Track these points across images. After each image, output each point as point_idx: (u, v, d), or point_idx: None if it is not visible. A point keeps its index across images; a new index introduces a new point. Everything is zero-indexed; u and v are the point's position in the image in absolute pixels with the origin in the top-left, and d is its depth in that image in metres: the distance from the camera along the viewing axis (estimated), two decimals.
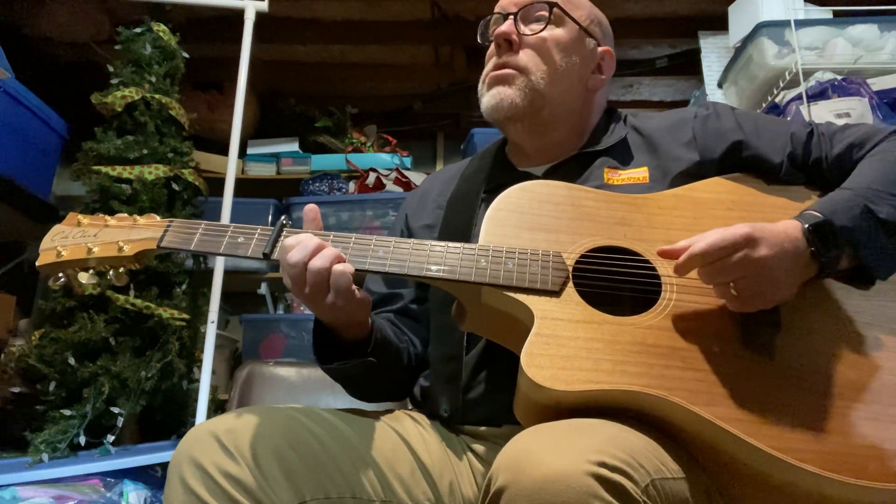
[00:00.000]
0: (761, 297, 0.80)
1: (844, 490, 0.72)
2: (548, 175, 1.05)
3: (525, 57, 1.04)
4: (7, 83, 2.31)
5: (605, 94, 1.14)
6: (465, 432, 0.99)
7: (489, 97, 1.05)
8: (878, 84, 1.98)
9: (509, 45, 1.04)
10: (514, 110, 1.03)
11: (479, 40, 1.12)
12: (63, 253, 0.91)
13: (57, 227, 0.95)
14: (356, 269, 0.86)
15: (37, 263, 0.92)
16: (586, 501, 0.61)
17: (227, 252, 0.89)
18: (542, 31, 1.04)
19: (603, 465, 0.62)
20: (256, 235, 0.90)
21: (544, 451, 0.65)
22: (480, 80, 1.09)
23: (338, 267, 0.84)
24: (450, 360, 0.98)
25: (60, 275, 0.92)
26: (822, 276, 0.85)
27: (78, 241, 0.92)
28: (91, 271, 0.92)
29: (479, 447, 0.96)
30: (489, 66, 1.08)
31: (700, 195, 0.96)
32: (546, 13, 1.05)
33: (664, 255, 0.84)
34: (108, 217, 0.95)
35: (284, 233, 0.89)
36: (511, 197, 0.93)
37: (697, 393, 0.75)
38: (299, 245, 0.85)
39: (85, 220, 0.96)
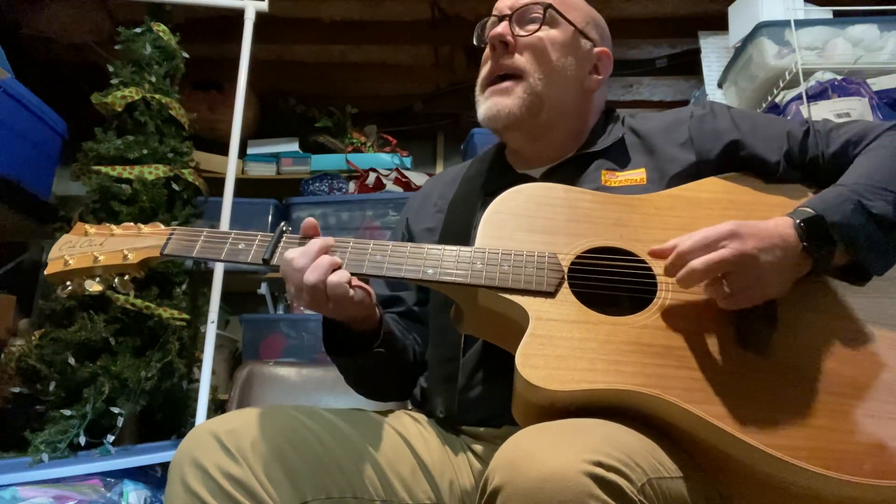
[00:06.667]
0: (750, 293, 0.80)
1: (840, 487, 0.72)
2: (546, 177, 1.05)
3: (521, 59, 1.04)
4: (7, 83, 2.31)
5: (602, 95, 1.14)
6: (464, 433, 0.99)
7: (486, 107, 1.05)
8: (878, 84, 1.98)
9: (505, 46, 1.04)
10: (512, 119, 1.03)
11: (475, 42, 1.12)
12: (70, 262, 0.93)
13: (65, 237, 0.97)
14: (353, 274, 0.87)
15: (45, 272, 0.94)
16: (582, 501, 0.61)
17: (229, 259, 0.91)
18: (536, 31, 1.05)
19: (599, 464, 0.62)
20: (257, 242, 0.91)
21: (540, 450, 0.65)
22: (477, 83, 1.10)
23: (332, 278, 0.85)
24: (447, 362, 0.99)
25: (68, 283, 0.94)
26: (816, 272, 0.84)
27: (84, 250, 0.94)
28: (97, 279, 0.94)
29: (478, 447, 0.97)
30: (486, 69, 1.08)
31: (696, 195, 0.95)
32: (540, 14, 1.05)
33: (655, 254, 0.84)
34: (113, 226, 0.98)
35: (284, 239, 0.90)
36: (507, 200, 0.93)
37: (692, 391, 0.76)
38: (298, 256, 0.86)
39: (92, 229, 0.98)
